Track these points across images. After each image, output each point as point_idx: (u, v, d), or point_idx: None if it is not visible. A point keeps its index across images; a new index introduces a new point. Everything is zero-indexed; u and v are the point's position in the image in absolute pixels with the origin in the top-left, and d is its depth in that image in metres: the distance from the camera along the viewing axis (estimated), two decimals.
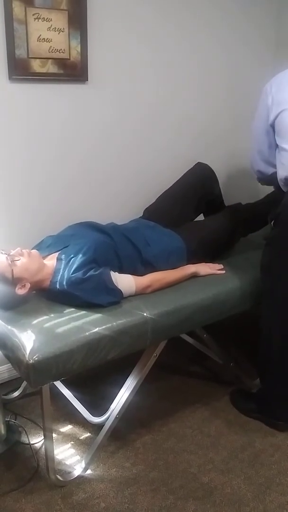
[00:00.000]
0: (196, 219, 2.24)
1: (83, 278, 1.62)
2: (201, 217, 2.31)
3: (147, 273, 1.83)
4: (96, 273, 1.65)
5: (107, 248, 1.76)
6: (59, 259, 1.71)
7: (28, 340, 1.48)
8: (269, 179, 1.91)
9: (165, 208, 2.09)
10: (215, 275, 1.95)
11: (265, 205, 2.17)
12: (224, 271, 1.97)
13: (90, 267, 1.66)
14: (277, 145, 1.74)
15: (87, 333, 1.53)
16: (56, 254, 1.75)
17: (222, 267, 2.00)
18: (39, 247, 1.85)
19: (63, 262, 1.69)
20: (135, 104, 2.23)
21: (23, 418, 1.99)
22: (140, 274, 1.81)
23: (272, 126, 1.71)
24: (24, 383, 2.08)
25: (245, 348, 2.44)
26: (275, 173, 1.78)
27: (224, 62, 2.48)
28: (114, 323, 1.59)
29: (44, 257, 1.74)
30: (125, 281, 1.72)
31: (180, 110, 2.39)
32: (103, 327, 1.57)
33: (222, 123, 2.59)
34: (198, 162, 2.18)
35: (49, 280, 1.68)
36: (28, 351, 1.44)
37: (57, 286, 1.64)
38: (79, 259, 1.67)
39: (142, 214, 2.15)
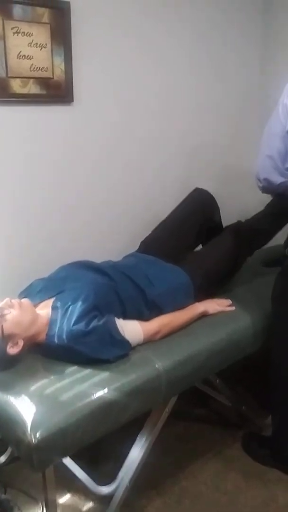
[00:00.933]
0: (196, 249, 2.05)
1: (86, 330, 1.39)
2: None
3: (152, 316, 1.62)
4: (100, 323, 1.43)
5: (108, 291, 1.55)
6: (54, 308, 1.48)
7: (27, 412, 1.24)
8: (276, 189, 1.74)
9: (163, 240, 1.89)
10: (224, 312, 1.76)
11: (267, 219, 2.02)
12: (233, 307, 1.79)
13: (93, 316, 1.44)
14: None
15: (95, 398, 1.31)
16: (50, 302, 1.51)
17: (230, 302, 1.82)
18: (27, 292, 1.61)
19: (60, 311, 1.46)
20: (126, 126, 2.03)
21: (14, 490, 1.72)
22: (145, 317, 1.61)
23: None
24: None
25: (248, 383, 2.25)
26: (284, 183, 1.63)
27: (215, 78, 2.32)
28: (125, 381, 1.38)
29: (35, 305, 1.50)
30: (132, 329, 1.51)
31: (173, 131, 2.22)
32: (113, 388, 1.35)
33: (218, 140, 2.43)
34: (197, 188, 2.00)
35: (45, 333, 1.44)
36: (29, 427, 1.20)
37: (55, 340, 1.41)
38: (78, 307, 1.44)
39: (138, 247, 1.93)
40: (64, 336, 1.39)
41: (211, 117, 2.35)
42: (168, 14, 2.02)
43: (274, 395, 1.78)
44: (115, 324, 1.47)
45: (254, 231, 1.99)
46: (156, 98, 2.11)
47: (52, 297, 1.53)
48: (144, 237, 1.94)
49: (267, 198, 2.61)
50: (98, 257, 1.80)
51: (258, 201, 2.65)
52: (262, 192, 1.83)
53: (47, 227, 1.91)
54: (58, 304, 1.48)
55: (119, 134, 2.02)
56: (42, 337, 1.44)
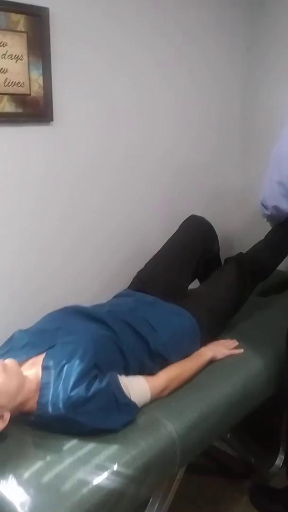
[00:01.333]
0: (193, 282, 1.85)
1: (87, 396, 1.15)
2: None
3: (156, 367, 1.40)
4: (103, 385, 1.19)
5: (108, 344, 1.32)
6: (45, 368, 1.23)
7: (24, 509, 0.98)
8: (283, 216, 1.57)
9: (161, 275, 1.69)
10: (233, 356, 1.57)
11: (268, 251, 1.85)
12: (241, 350, 1.59)
13: (93, 377, 1.21)
14: None
15: (103, 483, 1.07)
16: (39, 359, 1.26)
17: (237, 343, 1.62)
18: (9, 347, 1.35)
19: (52, 372, 1.21)
20: (110, 148, 1.82)
21: None
22: (149, 369, 1.39)
23: None
24: None
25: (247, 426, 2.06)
26: None
27: (197, 95, 2.15)
28: (136, 455, 1.15)
29: (20, 364, 1.25)
30: (137, 389, 1.28)
31: (154, 153, 2.02)
32: (123, 464, 1.12)
33: (200, 159, 2.26)
34: (192, 215, 1.81)
35: (35, 401, 1.19)
36: None
37: (49, 410, 1.16)
38: (76, 366, 1.20)
39: (130, 282, 1.72)
40: (61, 405, 1.15)
41: (192, 137, 2.18)
42: (150, 30, 1.84)
43: None
44: (119, 384, 1.24)
45: (258, 264, 1.81)
46: (140, 117, 1.91)
47: (41, 353, 1.27)
48: (129, 269, 1.73)
49: (251, 219, 2.50)
50: (81, 297, 1.60)
51: (240, 221, 2.52)
52: (268, 220, 1.67)
53: (25, 263, 1.66)
54: (50, 362, 1.23)
55: (102, 157, 1.81)
56: (31, 405, 1.19)
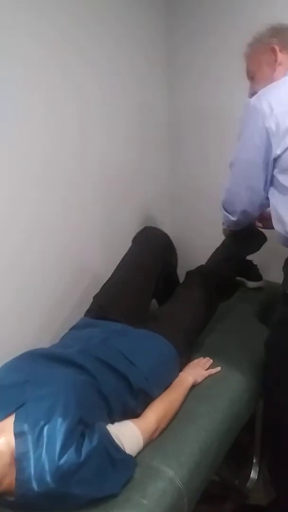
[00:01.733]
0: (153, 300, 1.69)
1: (80, 462, 0.95)
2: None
3: (140, 406, 1.24)
4: (94, 444, 1.00)
5: (89, 392, 1.11)
6: (19, 435, 0.99)
7: None
8: (247, 221, 1.52)
9: (121, 298, 1.51)
10: (212, 376, 1.45)
11: (231, 261, 1.76)
12: (219, 367, 1.48)
13: (80, 436, 1.00)
14: (272, 183, 1.33)
15: None
16: (8, 424, 1.01)
17: (211, 361, 1.50)
18: None
19: (30, 438, 0.98)
20: (30, 169, 1.58)
21: None
22: (132, 410, 1.22)
23: (276, 160, 1.28)
24: None
25: None
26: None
27: (123, 102, 2.00)
28: None
29: None
30: (129, 436, 1.11)
31: (89, 167, 1.83)
32: None
33: (131, 169, 2.11)
34: (147, 227, 1.66)
35: (13, 477, 0.95)
36: None
37: (34, 487, 0.94)
38: (59, 427, 0.98)
39: (88, 309, 1.52)
40: (49, 478, 0.93)
41: (122, 145, 2.03)
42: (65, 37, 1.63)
43: (279, 460, 1.50)
44: (111, 437, 1.05)
45: (222, 277, 1.71)
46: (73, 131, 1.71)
47: (9, 416, 1.03)
48: (78, 295, 1.54)
49: (183, 220, 2.44)
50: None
51: (174, 223, 2.45)
52: (231, 227, 1.57)
53: None
54: (24, 426, 0.99)
55: (21, 180, 1.56)
56: (8, 483, 0.96)
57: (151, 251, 1.58)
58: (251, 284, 2.15)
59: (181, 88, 2.25)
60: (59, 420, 0.99)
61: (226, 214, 1.50)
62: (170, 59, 2.21)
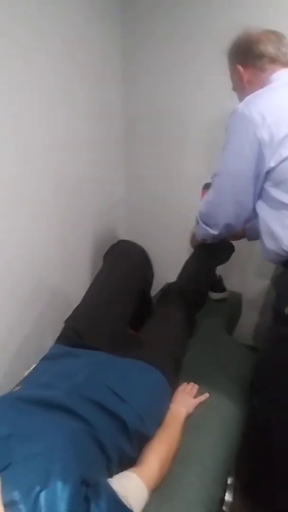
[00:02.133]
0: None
1: None
2: None
3: (135, 449, 1.08)
4: (103, 508, 0.83)
5: (87, 444, 0.94)
6: (9, 504, 0.79)
7: None
8: (227, 235, 1.43)
9: (101, 323, 1.33)
10: (202, 404, 1.33)
11: (206, 276, 1.68)
12: (207, 394, 1.36)
13: (85, 500, 0.83)
14: (260, 196, 1.24)
15: None
16: None
17: (197, 386, 1.39)
18: None
19: (23, 507, 0.79)
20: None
21: None
22: (128, 455, 1.05)
23: (268, 172, 1.19)
24: None
25: None
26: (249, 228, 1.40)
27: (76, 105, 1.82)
28: None
29: None
30: (134, 493, 0.95)
31: (49, 173, 1.64)
32: None
33: (94, 173, 1.95)
34: (121, 240, 1.50)
35: None
36: None
37: None
38: (60, 493, 0.80)
39: (60, 336, 1.33)
40: None
41: (80, 152, 1.86)
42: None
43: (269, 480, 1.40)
44: (117, 497, 0.88)
45: (195, 292, 1.59)
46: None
47: None
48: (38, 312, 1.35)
49: (138, 227, 2.33)
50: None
51: (131, 230, 2.32)
52: (208, 240, 1.47)
53: None
54: (14, 494, 0.80)
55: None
56: None
57: (130, 269, 1.42)
58: (215, 295, 2.08)
59: (137, 89, 2.13)
60: (59, 484, 0.81)
61: (205, 227, 1.40)
62: (125, 59, 2.08)
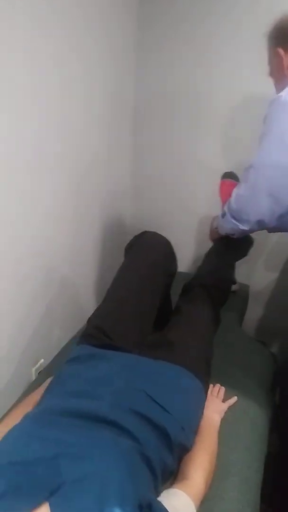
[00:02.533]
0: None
1: None
2: None
3: (175, 462, 1.02)
4: None
5: (138, 462, 0.86)
6: None
7: None
8: (255, 231, 1.34)
9: (129, 323, 1.24)
10: (230, 408, 1.28)
11: (228, 271, 1.62)
12: (235, 397, 1.31)
13: None
14: None
15: None
16: None
17: (224, 389, 1.33)
18: None
19: None
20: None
21: None
22: (170, 469, 0.99)
23: None
24: None
25: None
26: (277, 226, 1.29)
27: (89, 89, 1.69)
28: None
29: None
30: (185, 510, 0.88)
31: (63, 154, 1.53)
32: None
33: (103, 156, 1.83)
34: (145, 231, 1.40)
35: None
36: None
37: None
38: None
39: (85, 335, 1.24)
40: None
41: (90, 139, 1.73)
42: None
43: None
44: None
45: (218, 288, 1.53)
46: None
47: (38, 507, 0.74)
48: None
49: (143, 213, 2.24)
50: None
51: (135, 216, 2.23)
52: (236, 235, 1.40)
53: None
54: None
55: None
56: None
57: (156, 263, 1.32)
58: None
59: (150, 73, 2.02)
60: (116, 510, 0.73)
61: (235, 222, 1.32)
62: (140, 30, 1.96)
